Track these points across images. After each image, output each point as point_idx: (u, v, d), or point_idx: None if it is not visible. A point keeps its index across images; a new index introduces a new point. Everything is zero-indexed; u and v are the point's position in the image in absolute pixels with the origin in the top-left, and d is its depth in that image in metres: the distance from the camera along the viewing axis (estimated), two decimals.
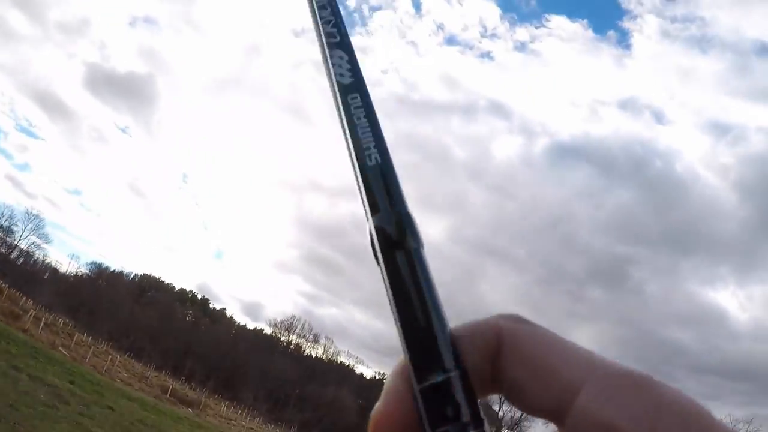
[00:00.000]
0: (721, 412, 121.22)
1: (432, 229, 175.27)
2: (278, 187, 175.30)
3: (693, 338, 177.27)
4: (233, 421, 48.70)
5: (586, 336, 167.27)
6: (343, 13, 0.77)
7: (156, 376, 53.00)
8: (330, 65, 0.75)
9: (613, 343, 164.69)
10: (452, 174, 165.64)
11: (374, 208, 0.62)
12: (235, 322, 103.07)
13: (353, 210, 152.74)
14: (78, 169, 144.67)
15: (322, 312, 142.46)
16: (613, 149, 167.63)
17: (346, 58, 0.78)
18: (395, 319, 0.56)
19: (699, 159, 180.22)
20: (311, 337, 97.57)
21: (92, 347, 45.25)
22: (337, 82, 0.75)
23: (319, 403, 78.76)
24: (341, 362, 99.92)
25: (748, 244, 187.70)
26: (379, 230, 0.61)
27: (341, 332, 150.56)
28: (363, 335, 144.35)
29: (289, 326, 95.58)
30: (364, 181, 0.64)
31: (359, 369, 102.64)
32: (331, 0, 0.85)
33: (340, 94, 0.73)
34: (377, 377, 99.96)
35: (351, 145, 0.69)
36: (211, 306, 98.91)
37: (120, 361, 48.39)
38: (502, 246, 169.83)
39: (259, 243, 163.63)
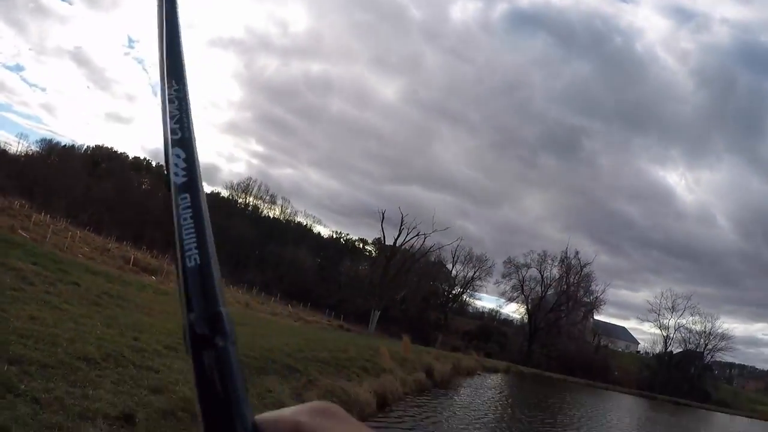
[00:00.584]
0: (662, 287, 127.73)
1: (387, 90, 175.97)
2: (228, 48, 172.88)
3: (640, 213, 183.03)
4: None
5: (538, 203, 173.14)
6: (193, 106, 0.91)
7: (117, 248, 54.92)
8: (168, 162, 0.89)
9: (563, 211, 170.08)
10: (408, 35, 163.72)
11: (189, 306, 0.73)
12: None
13: (305, 70, 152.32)
14: (17, 44, 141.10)
15: (278, 173, 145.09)
16: (573, 21, 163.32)
17: (183, 156, 0.89)
18: (198, 413, 0.64)
19: (660, 41, 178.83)
20: (268, 198, 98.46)
21: (51, 226, 46.46)
22: (172, 181, 0.87)
23: (279, 263, 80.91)
24: (299, 222, 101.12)
25: (700, 130, 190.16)
26: (191, 328, 0.72)
27: (297, 192, 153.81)
28: (319, 195, 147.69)
29: (245, 188, 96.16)
30: (183, 281, 0.75)
31: (316, 228, 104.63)
32: (180, 94, 0.96)
33: (174, 193, 0.86)
34: (334, 236, 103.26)
35: (177, 245, 0.80)
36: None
37: (80, 237, 49.94)
38: (456, 109, 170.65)
39: (211, 106, 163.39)
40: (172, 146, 0.89)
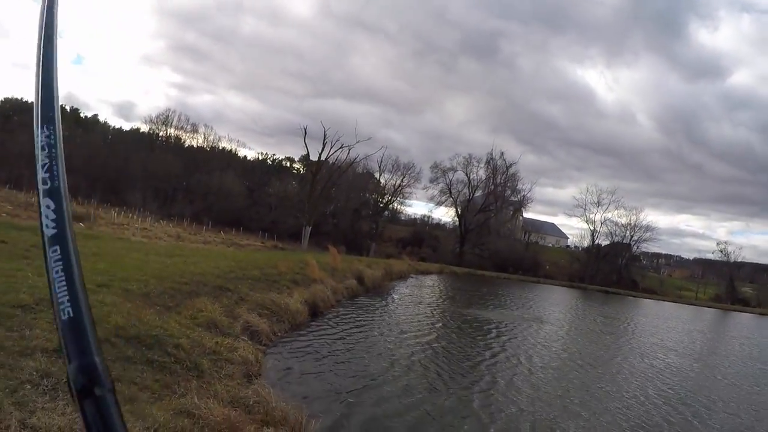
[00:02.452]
0: (587, 183, 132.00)
1: (299, 5, 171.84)
2: None
3: (562, 113, 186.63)
4: (126, 225, 49.47)
5: (461, 107, 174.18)
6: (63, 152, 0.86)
7: None
8: (40, 212, 0.92)
9: (487, 114, 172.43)
10: None
11: (68, 358, 0.81)
12: (109, 126, 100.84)
13: None
14: None
15: (197, 101, 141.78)
16: None
17: (53, 207, 0.91)
18: None
19: None
20: (189, 127, 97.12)
21: None
22: (42, 233, 0.90)
23: (207, 192, 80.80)
24: (223, 148, 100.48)
25: (618, 28, 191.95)
26: (71, 379, 0.80)
27: (219, 118, 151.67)
28: (241, 118, 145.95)
29: (165, 120, 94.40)
30: (60, 334, 0.83)
31: (242, 152, 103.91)
32: (51, 140, 0.97)
33: (45, 245, 0.90)
34: (260, 158, 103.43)
35: (51, 298, 0.87)
36: (81, 115, 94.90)
37: (2, 195, 49.62)
38: (373, 20, 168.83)
39: (120, 40, 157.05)
40: (42, 196, 0.92)
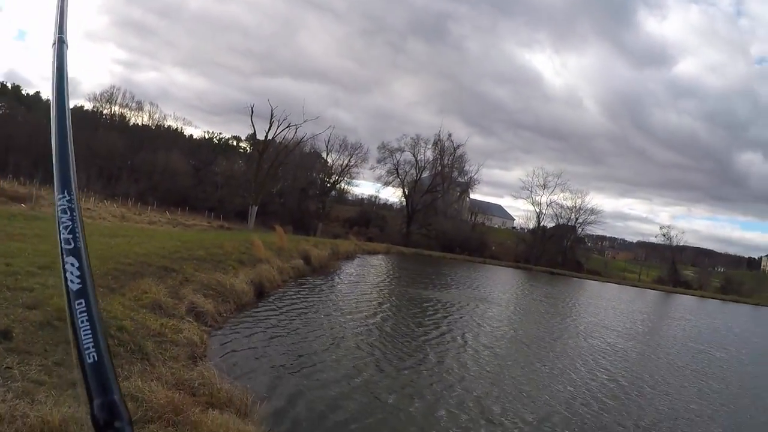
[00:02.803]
0: (534, 165, 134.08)
1: None
2: None
3: (510, 96, 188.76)
4: None
5: (409, 88, 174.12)
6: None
7: None
8: (63, 270, 1.04)
9: (435, 95, 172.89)
10: None
11: (90, 397, 0.92)
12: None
13: None
14: None
15: (142, 78, 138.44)
16: None
17: (77, 264, 1.04)
18: None
19: None
20: (134, 105, 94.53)
21: None
22: (67, 288, 1.03)
23: (152, 171, 79.12)
24: (169, 126, 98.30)
25: (567, 14, 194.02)
26: (94, 416, 0.90)
27: (164, 96, 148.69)
28: (187, 96, 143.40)
29: (109, 98, 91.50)
30: (83, 375, 0.94)
31: (188, 131, 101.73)
32: (71, 205, 1.11)
33: (69, 298, 1.02)
34: (206, 136, 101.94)
35: (75, 344, 0.98)
36: (23, 93, 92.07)
37: None
38: None
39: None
40: (66, 255, 1.04)
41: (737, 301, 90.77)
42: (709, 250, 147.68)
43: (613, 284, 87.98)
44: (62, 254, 1.09)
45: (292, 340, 15.50)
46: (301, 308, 20.60)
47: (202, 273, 17.88)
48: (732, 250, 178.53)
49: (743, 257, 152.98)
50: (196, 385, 8.21)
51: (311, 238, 52.35)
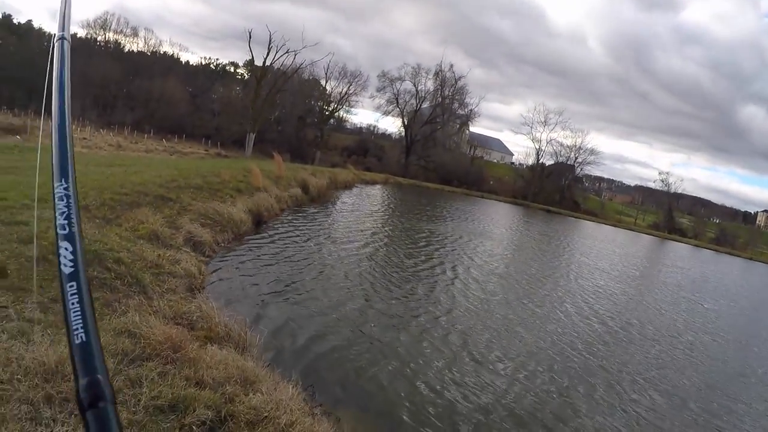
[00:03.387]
0: (534, 101, 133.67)
1: None
2: None
3: (513, 29, 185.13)
4: None
5: (410, 16, 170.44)
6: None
7: None
8: (57, 254, 1.10)
9: (436, 25, 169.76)
10: None
11: (78, 375, 0.97)
12: (44, 32, 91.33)
13: None
14: None
15: (137, 3, 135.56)
16: None
17: (70, 249, 1.11)
18: None
19: None
20: (129, 31, 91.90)
21: None
22: (60, 271, 1.08)
23: (148, 99, 77.90)
24: (165, 53, 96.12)
25: None
26: (79, 396, 0.94)
27: (160, 21, 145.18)
28: (183, 22, 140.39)
29: (103, 24, 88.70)
30: (72, 355, 0.99)
31: (184, 57, 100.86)
32: (68, 192, 1.18)
33: (62, 281, 1.07)
34: (203, 62, 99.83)
35: (66, 325, 1.03)
36: (15, 21, 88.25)
37: None
38: None
39: None
40: (60, 240, 1.11)
41: (731, 254, 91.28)
42: (706, 200, 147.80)
43: (609, 226, 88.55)
44: (57, 239, 1.15)
45: (288, 270, 15.47)
46: (298, 238, 20.49)
47: (199, 202, 17.57)
48: (728, 203, 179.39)
49: (739, 210, 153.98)
50: (194, 318, 8.08)
51: (309, 166, 51.93)
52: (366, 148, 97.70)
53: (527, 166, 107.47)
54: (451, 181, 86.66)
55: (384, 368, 9.97)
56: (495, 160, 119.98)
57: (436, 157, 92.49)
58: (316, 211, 29.52)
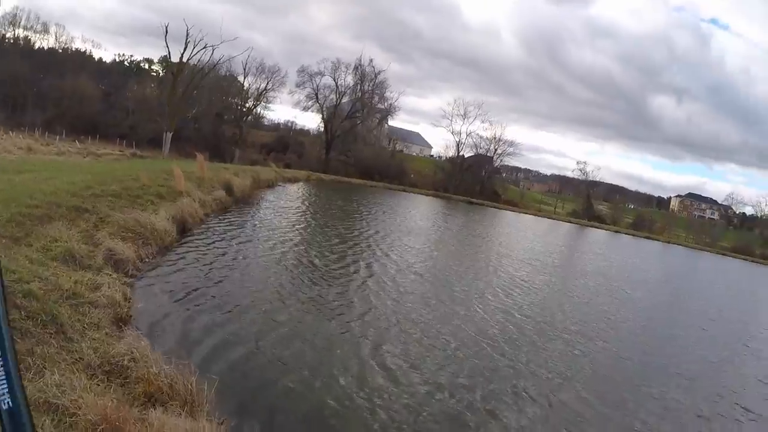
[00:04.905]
0: (451, 94, 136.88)
1: None
2: None
3: (428, 24, 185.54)
4: None
5: (325, 12, 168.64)
6: None
7: None
8: None
9: (351, 20, 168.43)
10: None
11: None
12: None
13: None
14: None
15: None
16: None
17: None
18: None
19: None
20: (39, 27, 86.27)
21: None
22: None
23: (60, 97, 73.60)
24: (77, 49, 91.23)
25: None
26: None
27: (72, 17, 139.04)
28: (95, 17, 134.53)
29: (12, 20, 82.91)
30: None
31: (97, 54, 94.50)
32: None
33: None
34: (117, 59, 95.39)
35: None
36: None
37: None
38: None
39: None
40: None
41: (649, 238, 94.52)
42: (621, 186, 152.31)
43: (529, 216, 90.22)
44: None
45: (224, 283, 14.22)
46: (224, 246, 19.00)
47: (118, 212, 15.74)
48: (642, 189, 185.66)
49: (653, 196, 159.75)
50: (126, 364, 6.65)
51: (230, 165, 49.90)
52: (286, 144, 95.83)
53: (447, 159, 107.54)
54: (372, 175, 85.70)
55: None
56: (415, 154, 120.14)
57: (357, 152, 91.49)
58: (241, 213, 28.11)
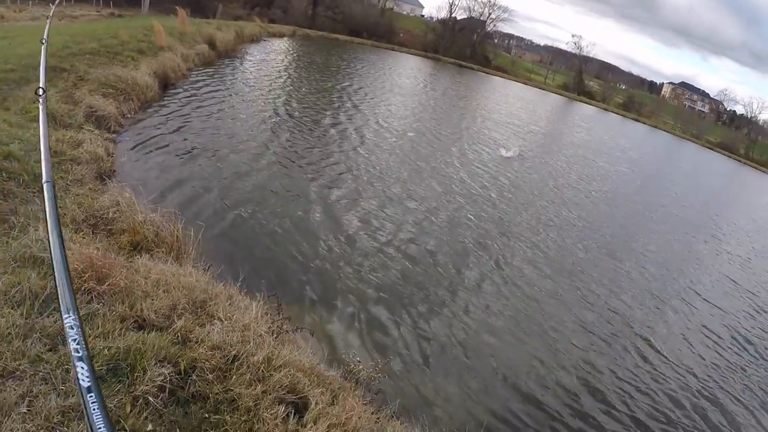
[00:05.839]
0: None
1: None
2: None
3: None
4: None
5: None
6: None
7: None
8: (76, 372, 1.34)
9: None
10: None
11: None
12: None
13: None
14: None
15: None
16: None
17: (86, 368, 1.36)
18: None
19: None
20: None
21: None
22: (80, 385, 1.31)
23: None
24: None
25: None
26: None
27: None
28: None
29: None
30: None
31: None
32: (76, 322, 1.50)
33: (82, 395, 1.31)
34: None
35: None
36: None
37: None
38: None
39: None
40: (77, 360, 1.39)
41: (637, 120, 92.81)
42: (614, 65, 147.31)
43: (519, 83, 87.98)
44: (73, 362, 1.46)
45: (205, 139, 14.08)
46: (208, 100, 18.63)
47: (98, 69, 15.10)
48: (635, 71, 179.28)
49: (645, 79, 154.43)
50: (111, 216, 6.54)
51: (213, 21, 47.90)
52: None
53: (439, 20, 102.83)
54: (360, 32, 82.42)
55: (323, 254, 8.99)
56: (405, 13, 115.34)
57: (345, 7, 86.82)
58: (224, 67, 27.27)
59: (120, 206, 6.75)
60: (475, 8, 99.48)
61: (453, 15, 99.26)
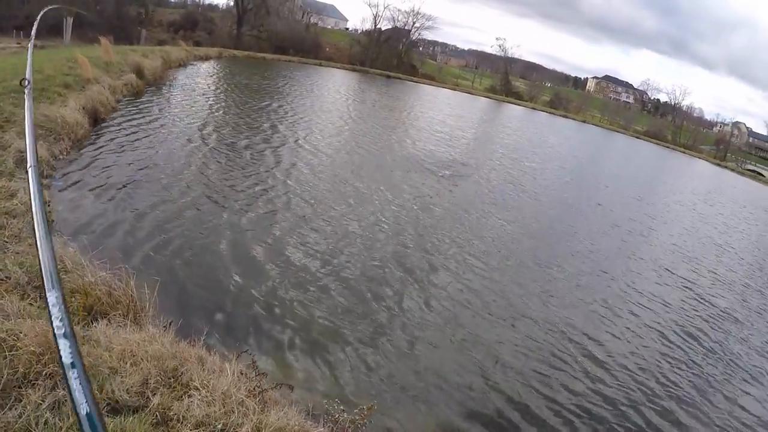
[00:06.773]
0: None
1: None
2: None
3: None
4: None
5: None
6: None
7: None
8: (59, 348, 1.38)
9: None
10: None
11: None
12: None
13: None
14: None
15: None
16: None
17: (69, 344, 1.40)
18: None
19: None
20: None
21: None
22: (62, 362, 1.36)
23: None
24: None
25: None
26: None
27: None
28: None
29: None
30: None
31: None
32: (59, 299, 1.60)
33: (64, 372, 1.35)
34: None
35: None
36: None
37: None
38: None
39: None
40: (59, 338, 1.42)
41: (565, 116, 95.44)
42: (538, 64, 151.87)
43: (447, 90, 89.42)
44: (56, 338, 1.50)
45: (143, 174, 13.85)
46: (139, 132, 18.27)
47: (24, 108, 14.42)
48: (559, 68, 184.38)
49: (570, 75, 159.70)
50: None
51: (138, 47, 46.85)
52: (194, 21, 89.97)
53: (364, 32, 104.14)
54: (286, 50, 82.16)
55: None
56: (330, 27, 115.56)
57: (270, 25, 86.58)
58: (153, 96, 26.78)
59: (65, 265, 6.33)
60: (399, 18, 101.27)
61: (378, 26, 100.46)
